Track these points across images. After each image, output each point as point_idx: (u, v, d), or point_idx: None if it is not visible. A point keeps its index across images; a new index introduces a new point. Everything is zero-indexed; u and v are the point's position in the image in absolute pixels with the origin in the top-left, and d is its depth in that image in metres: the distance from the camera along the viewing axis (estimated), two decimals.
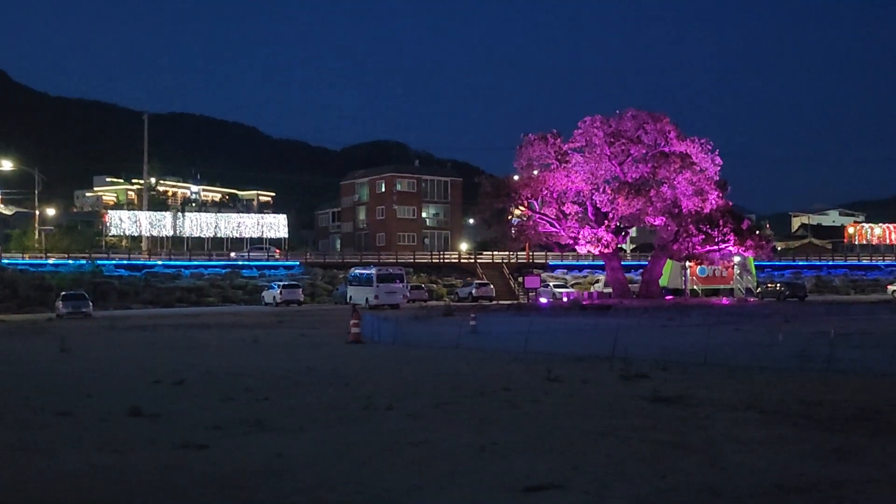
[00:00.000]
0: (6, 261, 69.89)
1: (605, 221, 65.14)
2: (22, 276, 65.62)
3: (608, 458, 9.43)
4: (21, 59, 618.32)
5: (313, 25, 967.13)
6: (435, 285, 79.20)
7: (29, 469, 9.23)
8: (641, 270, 75.80)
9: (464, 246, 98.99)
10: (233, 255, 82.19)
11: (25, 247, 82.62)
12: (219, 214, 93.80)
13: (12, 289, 62.66)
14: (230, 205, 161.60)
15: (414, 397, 14.60)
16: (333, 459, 9.55)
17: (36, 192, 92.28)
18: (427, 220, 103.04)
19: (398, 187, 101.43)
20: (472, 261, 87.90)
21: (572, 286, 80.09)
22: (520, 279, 79.79)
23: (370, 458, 9.55)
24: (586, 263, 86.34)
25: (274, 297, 64.76)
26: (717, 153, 66.69)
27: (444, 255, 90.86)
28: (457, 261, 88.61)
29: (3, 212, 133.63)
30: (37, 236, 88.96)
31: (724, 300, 67.93)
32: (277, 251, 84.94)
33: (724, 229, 63.00)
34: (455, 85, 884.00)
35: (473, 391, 15.28)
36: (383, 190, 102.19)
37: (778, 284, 75.34)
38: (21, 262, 71.45)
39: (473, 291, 72.49)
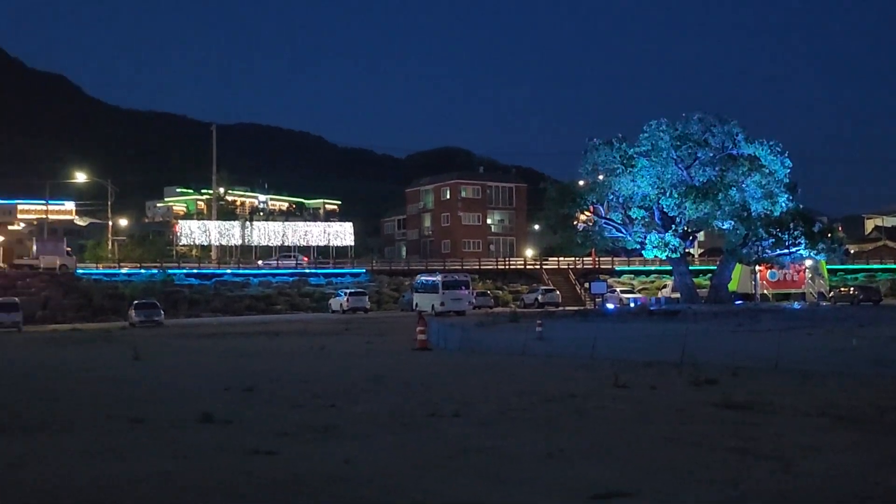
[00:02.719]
0: (81, 271, 71.50)
1: (672, 226, 64.35)
2: (96, 285, 67.04)
3: (677, 465, 9.30)
4: (94, 73, 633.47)
5: (377, 35, 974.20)
6: (500, 292, 79.00)
7: (104, 474, 9.42)
8: (710, 275, 74.66)
9: (529, 252, 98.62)
10: (260, 262, 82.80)
11: (99, 257, 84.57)
12: (286, 223, 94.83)
13: (87, 298, 64.02)
14: (297, 214, 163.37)
15: (480, 404, 14.57)
16: (400, 466, 9.57)
17: (109, 203, 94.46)
18: (492, 226, 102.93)
19: (463, 194, 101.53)
20: (538, 267, 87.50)
21: (639, 291, 79.21)
22: (586, 285, 79.18)
23: (436, 465, 9.56)
24: (653, 268, 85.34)
25: (341, 305, 65.20)
26: (786, 155, 65.44)
27: (509, 261, 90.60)
28: (522, 267, 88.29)
29: (78, 223, 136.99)
30: (110, 247, 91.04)
31: (796, 305, 66.59)
32: (305, 259, 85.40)
33: (795, 232, 61.80)
34: (519, 91, 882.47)
35: (540, 398, 15.21)
36: (448, 197, 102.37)
37: (851, 288, 73.57)
38: (95, 272, 73.06)
39: (539, 297, 72.14)
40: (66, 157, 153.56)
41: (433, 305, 58.80)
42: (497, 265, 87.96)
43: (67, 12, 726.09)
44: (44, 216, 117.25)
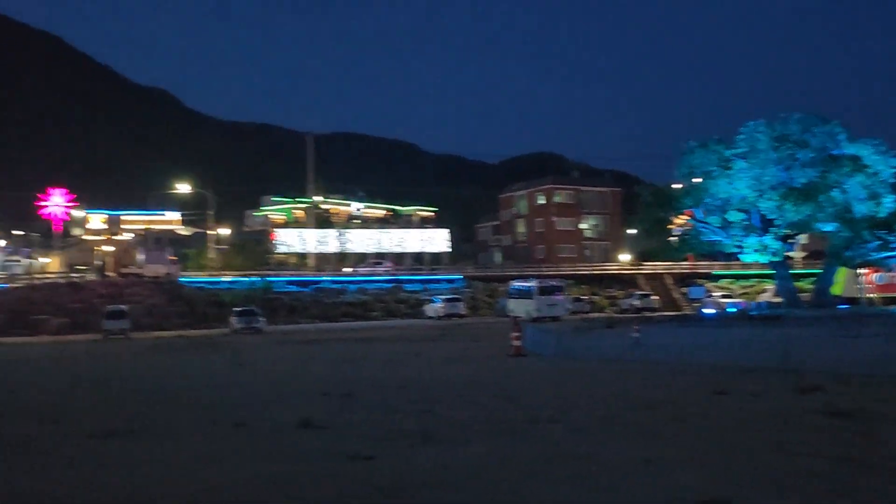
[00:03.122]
0: (184, 279, 73.54)
1: (772, 228, 62.82)
2: (199, 293, 68.85)
3: (780, 474, 9.09)
4: (193, 86, 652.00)
5: (469, 42, 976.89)
6: (596, 297, 78.39)
7: (208, 478, 9.68)
8: (813, 279, 72.66)
9: (624, 257, 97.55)
10: (348, 270, 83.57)
11: (202, 265, 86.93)
12: (381, 230, 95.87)
13: (190, 306, 65.79)
14: (392, 221, 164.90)
15: (577, 410, 14.48)
16: (497, 472, 9.58)
17: (210, 212, 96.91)
18: (586, 231, 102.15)
19: (557, 199, 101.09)
20: (634, 272, 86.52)
21: (739, 296, 77.61)
22: (683, 290, 78.00)
23: (533, 471, 9.54)
24: (753, 273, 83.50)
25: (436, 311, 65.57)
26: (891, 154, 63.23)
27: (604, 266, 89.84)
28: (618, 272, 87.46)
29: (181, 232, 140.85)
30: (212, 255, 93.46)
31: None
32: (390, 264, 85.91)
33: None
34: (612, 94, 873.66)
35: (638, 404, 15.03)
36: (542, 202, 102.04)
37: None
38: (198, 280, 75.09)
39: (635, 303, 71.34)
40: (170, 169, 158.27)
41: (528, 311, 58.64)
42: (592, 270, 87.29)
43: (169, 29, 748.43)
44: (149, 226, 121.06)
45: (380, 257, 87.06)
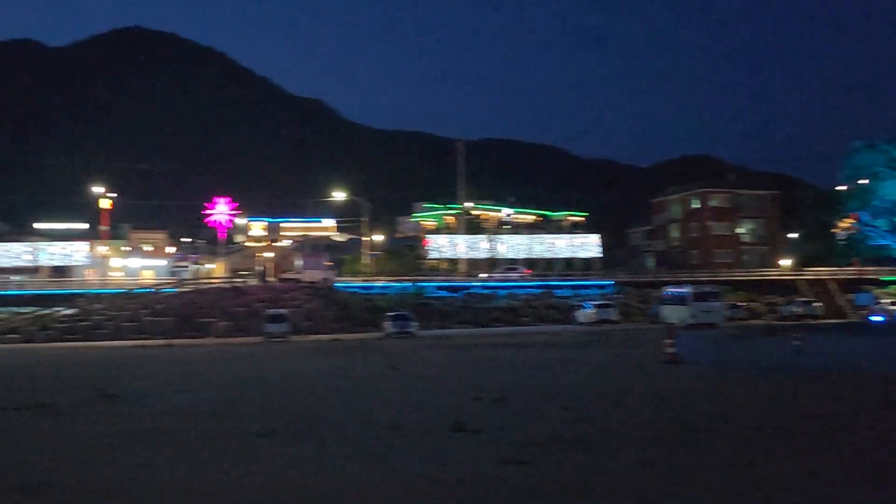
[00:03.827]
0: (340, 284, 75.47)
1: None
2: (353, 298, 70.46)
3: None
4: (348, 97, 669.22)
5: (618, 46, 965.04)
6: (754, 303, 75.97)
7: (366, 477, 9.94)
8: None
9: (784, 262, 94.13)
10: (483, 276, 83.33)
11: (356, 271, 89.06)
12: (531, 236, 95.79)
13: (346, 310, 67.37)
14: (542, 226, 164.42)
15: (735, 419, 14.10)
16: (652, 481, 9.45)
17: (364, 219, 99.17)
18: (744, 235, 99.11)
19: (712, 203, 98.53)
20: (794, 277, 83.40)
21: None
22: (849, 296, 74.59)
23: (689, 481, 9.37)
24: None
25: (587, 317, 64.95)
26: None
27: (763, 271, 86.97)
28: (777, 277, 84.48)
29: (337, 239, 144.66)
30: (365, 261, 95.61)
31: None
32: (528, 271, 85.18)
33: None
34: (771, 94, 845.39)
35: (800, 414, 14.50)
36: (696, 206, 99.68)
37: None
38: (353, 285, 76.91)
39: (797, 309, 68.74)
40: (325, 177, 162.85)
41: (683, 317, 57.33)
42: (750, 276, 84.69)
43: (324, 42, 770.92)
44: (306, 233, 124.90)
45: (514, 263, 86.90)
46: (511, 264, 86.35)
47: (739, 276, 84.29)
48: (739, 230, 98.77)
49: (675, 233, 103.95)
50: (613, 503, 8.51)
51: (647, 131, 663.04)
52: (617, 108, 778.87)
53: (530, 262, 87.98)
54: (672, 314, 59.30)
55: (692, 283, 69.48)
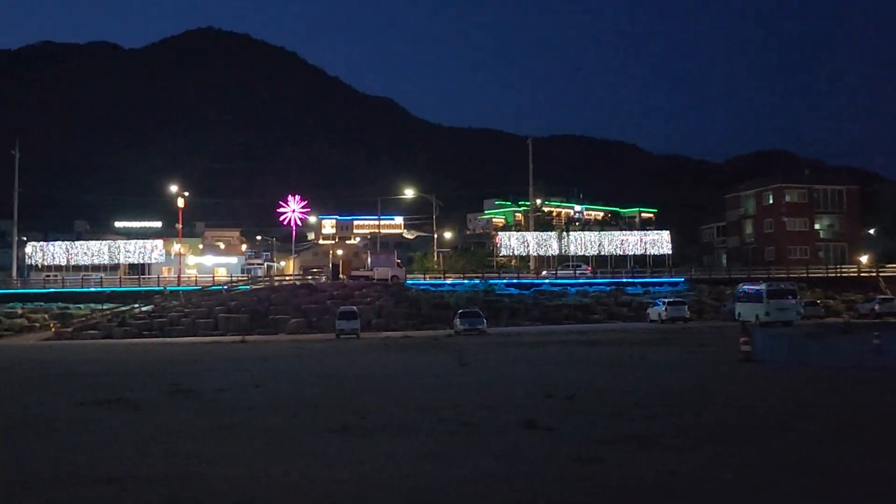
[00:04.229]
0: (410, 281, 75.85)
1: None
2: (423, 295, 70.75)
3: None
4: (418, 95, 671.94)
5: (690, 42, 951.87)
6: (831, 301, 74.30)
7: (432, 474, 9.98)
8: None
9: (863, 258, 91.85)
10: (545, 273, 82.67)
11: (426, 268, 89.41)
12: (602, 233, 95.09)
13: (416, 307, 67.68)
14: (612, 223, 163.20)
15: (811, 419, 13.83)
16: (726, 480, 9.32)
17: (434, 217, 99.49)
18: (820, 231, 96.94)
19: (787, 199, 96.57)
20: (874, 274, 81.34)
21: None
22: None
23: (767, 481, 9.22)
24: None
25: (659, 314, 64.20)
26: None
27: (840, 268, 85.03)
28: (855, 274, 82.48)
29: (406, 236, 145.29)
30: (435, 258, 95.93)
31: None
32: (589, 268, 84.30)
33: None
34: (847, 87, 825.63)
35: (878, 415, 14.18)
36: (771, 202, 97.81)
37: None
38: (422, 282, 77.24)
39: (876, 307, 66.98)
40: (395, 175, 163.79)
41: (757, 315, 56.28)
42: (827, 273, 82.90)
43: (393, 41, 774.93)
44: (377, 230, 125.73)
45: (581, 260, 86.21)
46: (574, 261, 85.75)
47: (816, 272, 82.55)
48: (816, 226, 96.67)
49: (748, 229, 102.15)
50: (687, 501, 8.41)
51: (721, 127, 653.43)
52: (690, 103, 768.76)
53: (599, 260, 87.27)
54: (746, 312, 58.28)
55: (767, 279, 68.25)
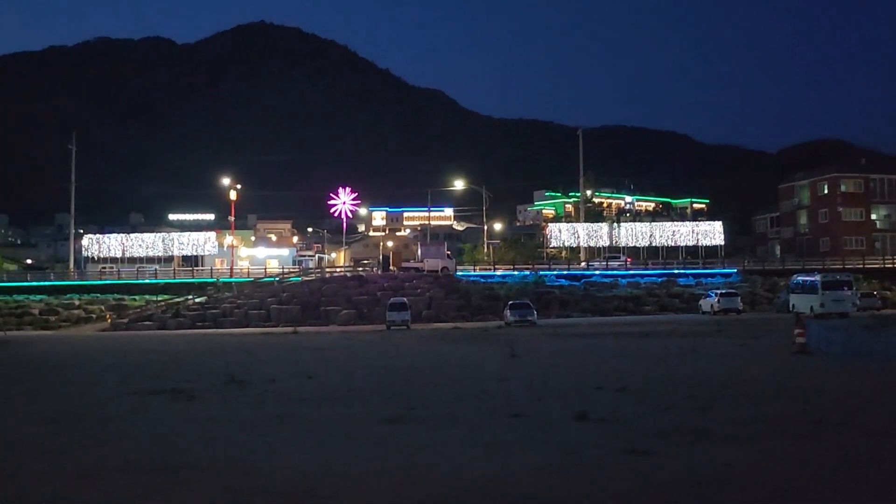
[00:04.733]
0: (460, 273, 75.92)
1: None
2: (473, 286, 70.77)
3: None
4: (467, 86, 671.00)
5: (737, 28, 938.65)
6: (888, 292, 72.94)
7: (485, 466, 9.99)
8: None
9: None
10: (583, 264, 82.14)
11: (476, 259, 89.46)
12: (653, 224, 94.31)
13: (466, 299, 67.71)
14: (664, 213, 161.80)
15: (869, 413, 13.61)
16: (782, 474, 9.21)
17: (484, 208, 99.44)
18: (877, 221, 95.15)
19: (843, 188, 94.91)
20: None
21: None
22: None
23: (825, 476, 9.09)
24: None
25: (711, 306, 63.51)
26: None
27: None
28: None
29: (456, 228, 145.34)
30: (485, 249, 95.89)
31: None
32: (629, 259, 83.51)
33: None
34: None
35: None
36: (826, 192, 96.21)
37: None
38: (472, 274, 77.27)
39: None
40: (445, 166, 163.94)
41: (812, 307, 55.43)
42: (883, 263, 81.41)
43: (442, 33, 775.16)
44: (426, 222, 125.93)
45: (616, 252, 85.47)
46: (609, 253, 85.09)
47: (872, 263, 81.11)
48: (872, 216, 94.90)
49: (803, 219, 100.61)
50: (740, 495, 8.32)
51: (774, 116, 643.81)
52: (743, 92, 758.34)
53: (650, 251, 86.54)
54: (801, 303, 57.41)
55: (822, 270, 67.19)
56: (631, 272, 78.45)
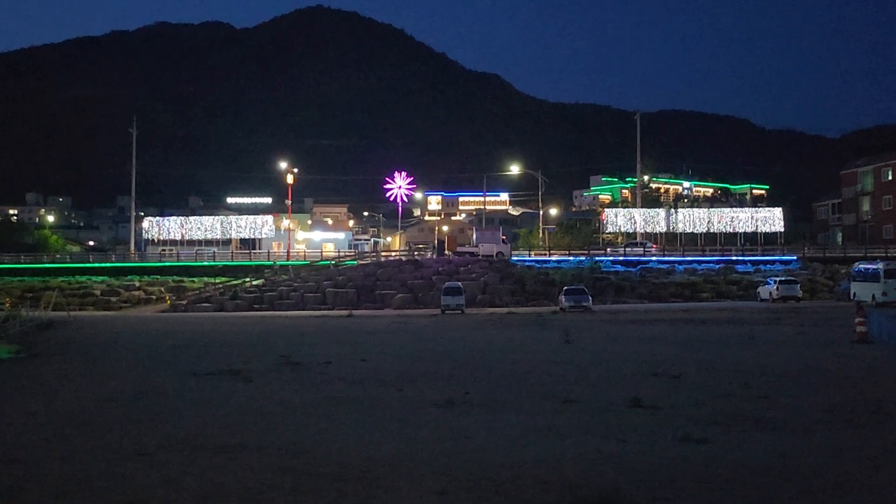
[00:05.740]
0: (515, 258, 75.75)
1: None
2: (528, 271, 70.53)
3: None
4: (524, 70, 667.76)
5: (798, 10, 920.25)
6: None
7: (539, 451, 9.98)
8: None
9: None
10: (609, 250, 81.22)
11: (531, 245, 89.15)
12: (711, 209, 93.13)
13: (521, 284, 67.53)
14: (722, 199, 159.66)
15: None
16: (841, 464, 9.07)
17: (539, 193, 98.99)
18: None
19: None
20: None
21: None
22: None
23: (883, 466, 8.93)
24: None
25: (770, 293, 62.55)
26: None
27: None
28: None
29: (511, 213, 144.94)
30: (541, 235, 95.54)
31: None
32: (654, 245, 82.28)
33: None
34: None
35: None
36: (890, 178, 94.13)
37: None
38: (528, 259, 76.98)
39: None
40: (501, 151, 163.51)
41: (873, 295, 54.33)
42: None
43: (499, 16, 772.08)
44: (482, 207, 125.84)
45: (646, 239, 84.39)
46: (642, 240, 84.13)
47: None
48: None
49: (866, 206, 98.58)
50: (798, 485, 8.21)
51: (837, 100, 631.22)
52: (805, 76, 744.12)
53: (707, 237, 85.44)
54: (862, 291, 56.31)
55: (885, 258, 65.80)
56: (688, 258, 77.51)
